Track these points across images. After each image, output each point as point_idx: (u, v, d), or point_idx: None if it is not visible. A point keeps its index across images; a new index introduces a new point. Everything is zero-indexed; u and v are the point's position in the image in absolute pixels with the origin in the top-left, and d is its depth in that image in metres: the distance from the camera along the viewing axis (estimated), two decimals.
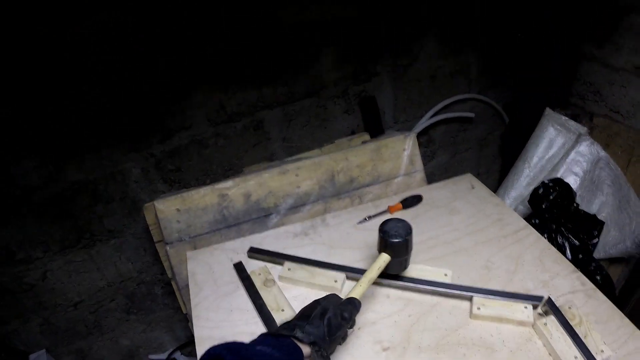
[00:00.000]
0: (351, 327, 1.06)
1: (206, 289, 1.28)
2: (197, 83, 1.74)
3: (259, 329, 1.16)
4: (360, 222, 1.47)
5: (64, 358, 2.20)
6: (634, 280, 2.30)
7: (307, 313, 0.98)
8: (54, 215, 1.78)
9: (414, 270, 1.30)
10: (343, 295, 1.07)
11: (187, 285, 1.32)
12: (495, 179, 2.70)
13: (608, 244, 2.15)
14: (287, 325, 0.95)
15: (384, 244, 1.15)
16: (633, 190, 2.20)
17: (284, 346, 0.88)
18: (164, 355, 2.30)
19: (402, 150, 1.64)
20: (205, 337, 1.15)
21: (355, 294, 1.07)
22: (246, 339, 1.10)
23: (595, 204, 2.14)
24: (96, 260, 1.98)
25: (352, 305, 1.03)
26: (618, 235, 2.14)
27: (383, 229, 1.15)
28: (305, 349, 0.90)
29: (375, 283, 1.25)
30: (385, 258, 1.15)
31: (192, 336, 2.12)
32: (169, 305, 2.26)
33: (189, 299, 1.27)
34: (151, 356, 2.36)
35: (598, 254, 2.14)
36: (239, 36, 1.70)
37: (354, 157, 1.58)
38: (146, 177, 1.86)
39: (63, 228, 1.83)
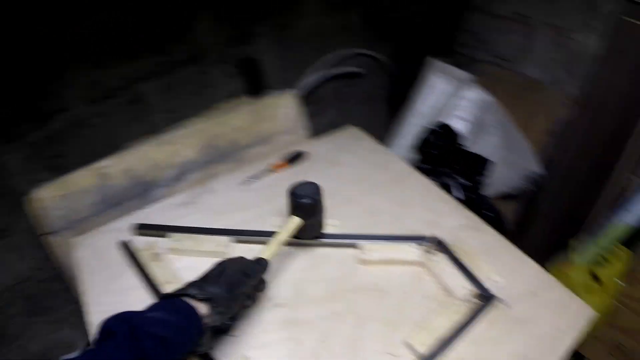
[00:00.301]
0: (260, 290, 1.05)
1: (95, 273, 1.24)
2: (69, 60, 1.65)
3: None
4: (245, 184, 1.46)
5: None
6: (528, 213, 2.43)
7: (205, 274, 0.97)
8: None
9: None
10: None
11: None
12: (387, 130, 2.74)
13: (499, 183, 2.24)
14: (185, 285, 0.92)
15: (294, 206, 1.15)
16: (518, 130, 2.30)
17: (177, 308, 0.85)
18: (77, 354, 2.22)
19: (282, 109, 1.63)
20: (99, 321, 1.10)
21: (264, 255, 1.05)
22: None
23: (483, 147, 2.21)
24: None
25: (258, 265, 1.02)
26: (507, 173, 2.24)
27: (292, 191, 1.15)
28: (202, 309, 0.87)
29: (260, 242, 1.26)
30: (295, 221, 1.14)
31: None
32: (72, 300, 2.16)
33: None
34: (64, 357, 2.28)
35: (491, 192, 2.23)
36: (109, 6, 1.62)
37: (234, 120, 1.55)
38: (26, 168, 1.74)
39: None
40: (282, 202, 1.38)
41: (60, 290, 2.06)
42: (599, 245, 1.93)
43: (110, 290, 1.19)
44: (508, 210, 2.42)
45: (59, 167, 1.73)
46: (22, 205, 1.75)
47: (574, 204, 2.20)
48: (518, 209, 2.50)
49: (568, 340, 1.05)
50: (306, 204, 1.13)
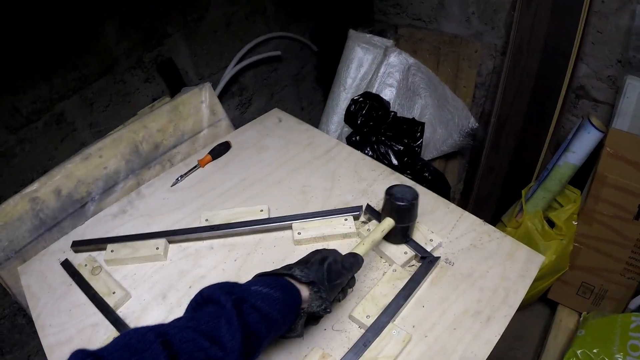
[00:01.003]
0: (351, 286, 1.01)
1: (43, 297, 1.24)
2: None
3: (99, 318, 1.15)
4: (173, 184, 1.48)
5: None
6: (474, 169, 2.47)
7: (306, 259, 0.96)
8: None
9: (229, 215, 1.32)
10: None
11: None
12: (320, 109, 2.76)
13: (438, 143, 2.29)
14: (285, 266, 0.92)
15: (389, 208, 1.12)
16: (447, 87, 2.35)
17: (281, 285, 0.84)
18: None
19: (200, 103, 1.64)
20: (54, 344, 1.12)
21: (358, 250, 1.03)
22: (90, 332, 1.11)
23: (416, 109, 2.26)
24: None
25: (355, 259, 0.99)
26: (444, 131, 2.28)
27: (390, 191, 1.11)
28: (304, 291, 0.87)
29: (195, 239, 1.28)
30: (389, 222, 1.11)
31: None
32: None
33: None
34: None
35: (431, 153, 2.27)
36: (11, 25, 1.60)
37: (153, 122, 1.55)
38: None
39: None
40: (212, 195, 1.42)
41: (25, 324, 2.05)
42: (548, 190, 1.98)
43: (60, 310, 1.19)
44: (453, 169, 2.48)
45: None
46: None
47: (517, 152, 2.25)
48: (463, 165, 2.55)
49: (521, 289, 1.08)
50: (402, 207, 1.09)
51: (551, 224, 1.99)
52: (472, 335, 1.00)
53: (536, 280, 1.90)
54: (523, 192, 2.06)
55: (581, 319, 1.97)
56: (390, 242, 1.18)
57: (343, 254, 1.01)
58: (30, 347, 2.14)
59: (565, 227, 1.95)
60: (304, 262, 0.94)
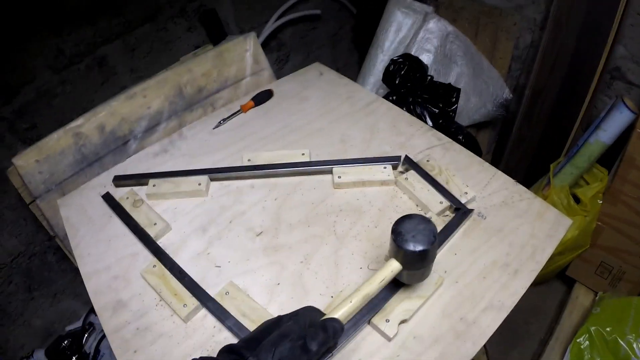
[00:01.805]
0: (327, 353, 0.87)
1: (82, 228, 1.27)
2: (28, 31, 1.65)
3: (139, 249, 1.18)
4: (215, 127, 1.49)
5: None
6: (504, 140, 2.47)
7: (261, 336, 0.75)
8: None
9: (271, 156, 1.34)
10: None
11: (67, 235, 1.29)
12: (355, 72, 2.76)
13: (471, 111, 2.28)
14: (230, 349, 0.74)
15: (396, 250, 0.87)
16: (484, 57, 2.34)
17: None
18: (80, 323, 2.27)
19: (244, 51, 1.65)
20: (91, 272, 1.16)
21: (339, 314, 0.83)
22: (129, 261, 1.14)
23: (451, 76, 2.26)
24: None
25: (326, 333, 0.77)
26: (478, 100, 2.28)
27: (397, 229, 0.86)
28: None
29: (236, 178, 1.30)
30: (394, 267, 0.89)
31: None
32: (67, 269, 2.21)
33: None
34: (68, 327, 2.32)
35: (463, 121, 2.27)
36: None
37: (197, 66, 1.57)
38: (3, 144, 1.78)
39: None
40: (254, 139, 1.43)
41: (55, 262, 2.10)
42: (576, 166, 1.98)
43: (99, 240, 1.22)
44: (483, 139, 2.47)
45: (34, 138, 1.76)
46: (5, 182, 1.78)
47: (548, 127, 2.24)
48: (493, 136, 2.54)
49: (548, 248, 1.08)
50: (414, 252, 0.84)
51: (576, 200, 1.98)
52: (500, 285, 1.02)
53: (556, 255, 1.94)
54: (552, 166, 2.05)
55: (597, 298, 1.98)
56: (402, 282, 0.98)
57: (319, 315, 0.84)
58: (58, 285, 2.21)
59: (590, 204, 1.95)
60: (255, 343, 0.74)
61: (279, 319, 0.80)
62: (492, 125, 2.54)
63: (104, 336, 2.10)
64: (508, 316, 0.97)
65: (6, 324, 2.13)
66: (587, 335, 1.76)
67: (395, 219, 0.87)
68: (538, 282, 2.19)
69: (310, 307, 0.87)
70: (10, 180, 1.64)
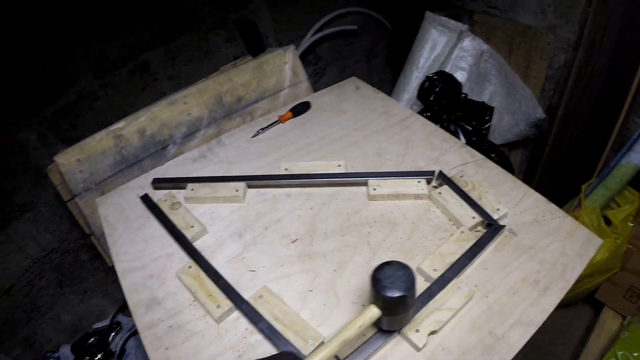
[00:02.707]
0: None
1: (120, 227, 1.30)
2: (73, 34, 1.71)
3: (175, 249, 1.21)
4: (254, 136, 1.52)
5: (13, 351, 2.17)
6: (535, 160, 2.46)
7: None
8: None
9: (308, 167, 1.37)
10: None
11: (104, 233, 1.33)
12: (389, 88, 2.78)
13: (503, 130, 2.28)
14: None
15: (375, 296, 0.88)
16: (518, 76, 2.34)
17: None
18: (107, 321, 2.31)
19: (283, 64, 1.69)
20: (127, 270, 1.19)
21: (320, 356, 0.83)
22: (164, 261, 1.17)
23: (485, 95, 2.27)
24: (15, 239, 1.94)
25: None
26: (511, 119, 2.28)
27: (376, 276, 0.87)
28: None
29: (273, 186, 1.33)
30: (373, 313, 0.88)
31: None
32: (99, 268, 2.26)
33: (108, 245, 1.28)
34: (95, 325, 2.36)
35: (496, 140, 2.27)
36: None
37: (237, 77, 1.61)
38: (44, 142, 1.83)
39: None
40: (291, 149, 1.46)
41: (87, 260, 2.15)
42: (608, 188, 1.96)
43: (135, 240, 1.26)
44: (515, 158, 2.47)
45: (74, 139, 1.82)
46: (44, 179, 1.84)
47: (580, 147, 2.23)
48: (525, 156, 2.54)
49: (578, 266, 1.09)
50: (392, 298, 0.84)
51: (607, 222, 1.96)
52: (529, 302, 1.02)
53: (585, 277, 1.92)
54: (583, 187, 2.04)
55: (625, 322, 1.96)
56: (382, 328, 0.98)
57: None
58: (89, 282, 2.25)
59: (621, 226, 1.92)
60: None
61: None
62: (524, 144, 2.53)
63: (130, 336, 2.14)
64: (534, 337, 0.97)
65: (35, 318, 2.17)
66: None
67: (428, 233, 0.88)
68: (565, 305, 2.18)
69: (287, 353, 0.90)
70: (49, 178, 1.68)
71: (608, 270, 1.98)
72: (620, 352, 1.73)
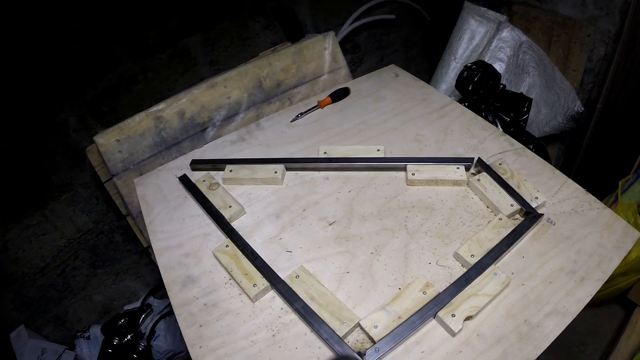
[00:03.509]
0: None
1: (157, 206, 1.32)
2: (114, 17, 1.73)
3: (212, 229, 1.23)
4: (293, 120, 1.52)
5: (44, 329, 2.21)
6: (571, 153, 2.42)
7: None
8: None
9: (347, 151, 1.36)
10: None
11: (141, 213, 1.34)
12: (426, 78, 2.75)
13: (541, 123, 2.25)
14: None
15: None
16: (557, 68, 2.29)
17: None
18: (138, 303, 2.34)
19: (323, 49, 1.69)
20: (164, 248, 1.20)
21: None
22: (201, 240, 1.18)
23: (523, 86, 2.23)
24: (52, 219, 1.98)
25: None
26: (549, 112, 2.24)
27: None
28: None
29: (311, 169, 1.33)
30: None
31: (161, 279, 2.15)
32: (132, 250, 2.29)
33: (144, 224, 1.30)
34: (126, 306, 2.39)
35: (533, 132, 2.24)
36: None
37: (277, 61, 1.62)
38: (84, 124, 1.85)
39: (13, 192, 1.82)
40: (329, 133, 1.46)
41: (121, 242, 2.18)
42: None
43: (173, 219, 1.27)
44: (552, 152, 2.43)
45: (113, 122, 1.83)
46: (82, 161, 1.86)
47: (618, 143, 2.18)
48: (562, 149, 2.50)
49: (615, 258, 1.07)
50: None
51: None
52: (565, 291, 1.01)
53: (618, 275, 1.88)
54: (620, 183, 2.00)
55: None
56: None
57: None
58: (121, 264, 2.29)
59: None
60: None
61: None
62: (561, 138, 2.49)
63: (160, 318, 2.16)
64: (564, 335, 0.95)
65: (67, 297, 2.21)
66: None
67: (466, 219, 0.87)
68: (597, 304, 2.14)
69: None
70: (88, 159, 1.70)
71: None
72: None
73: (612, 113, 2.14)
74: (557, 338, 0.94)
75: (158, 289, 2.43)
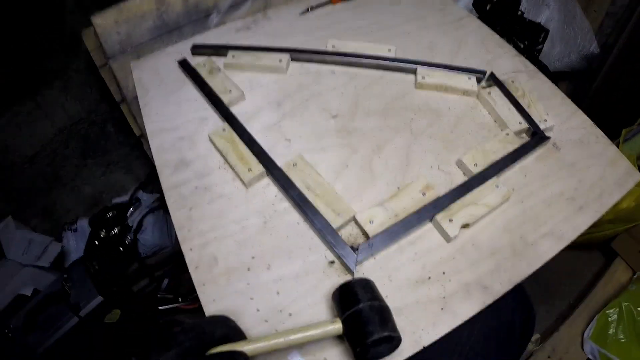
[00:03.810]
0: None
1: (153, 89, 1.27)
2: None
3: (210, 114, 1.19)
4: (302, 13, 1.46)
5: (32, 221, 2.19)
6: (580, 95, 2.38)
7: (167, 344, 0.64)
8: None
9: (357, 47, 1.31)
10: None
11: (136, 98, 1.30)
12: None
13: (554, 58, 2.20)
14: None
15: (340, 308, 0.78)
16: (579, 5, 2.23)
17: None
18: (127, 197, 2.31)
19: None
20: (158, 130, 1.16)
21: (247, 348, 0.69)
22: (197, 124, 1.15)
23: (541, 18, 2.16)
24: (43, 106, 1.91)
25: None
26: (563, 49, 2.19)
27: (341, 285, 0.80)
28: None
29: (318, 61, 1.27)
30: (334, 329, 0.75)
31: (151, 173, 2.12)
32: (124, 142, 2.24)
33: (139, 109, 1.25)
34: (115, 200, 2.38)
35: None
36: None
37: None
38: (81, 6, 1.77)
39: (2, 77, 1.74)
40: (339, 29, 1.40)
41: (113, 133, 2.13)
42: None
43: (169, 102, 1.23)
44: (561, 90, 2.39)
45: (111, 4, 1.74)
46: (77, 46, 1.79)
47: (628, 92, 2.15)
48: (569, 90, 2.46)
49: (615, 194, 1.06)
50: (359, 311, 0.74)
51: None
52: (563, 215, 1.00)
53: (606, 222, 1.88)
54: (623, 131, 1.97)
55: (635, 277, 1.95)
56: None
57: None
58: (112, 156, 2.25)
59: None
60: (159, 351, 0.63)
61: (184, 330, 0.66)
62: (569, 78, 2.45)
63: (148, 212, 2.15)
64: (542, 272, 0.94)
65: (56, 187, 2.18)
66: (617, 309, 1.76)
67: (472, 130, 0.86)
68: (579, 247, 2.15)
69: (222, 317, 0.75)
70: (83, 43, 1.63)
71: (630, 221, 1.93)
72: (625, 304, 1.74)
73: (626, 62, 2.10)
74: (535, 271, 0.94)
75: (148, 183, 2.39)
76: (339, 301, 0.79)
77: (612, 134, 1.91)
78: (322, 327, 0.75)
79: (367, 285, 0.80)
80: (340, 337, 0.78)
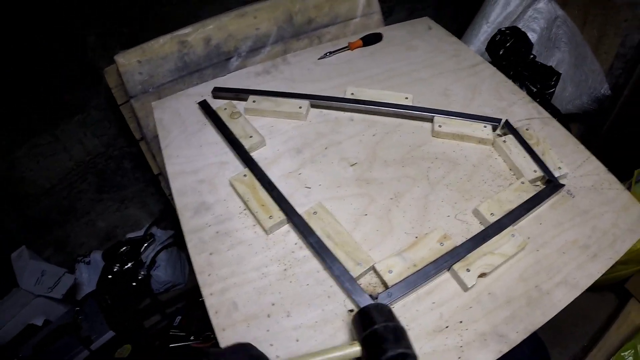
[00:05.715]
0: None
1: (174, 130, 1.29)
2: None
3: (230, 158, 1.20)
4: (321, 58, 1.49)
5: (45, 251, 2.20)
6: (590, 136, 2.39)
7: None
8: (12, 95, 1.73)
9: (375, 94, 1.33)
10: None
11: (156, 137, 1.32)
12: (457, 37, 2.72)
13: (565, 100, 2.22)
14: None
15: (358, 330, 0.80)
16: (589, 48, 2.25)
17: None
18: (141, 232, 2.33)
19: None
20: (178, 172, 1.18)
21: None
22: (217, 168, 1.16)
23: (552, 61, 2.19)
24: (62, 139, 1.95)
25: None
26: (575, 91, 2.21)
27: (362, 310, 0.83)
28: None
29: (337, 108, 1.30)
30: (353, 351, 0.77)
31: (165, 209, 2.13)
32: (140, 178, 2.27)
33: (159, 149, 1.27)
34: (129, 235, 2.39)
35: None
36: None
37: None
38: (103, 45, 1.81)
39: (24, 109, 1.78)
40: (357, 76, 1.42)
41: (129, 169, 2.15)
42: None
43: (190, 145, 1.25)
44: (572, 133, 2.40)
45: (134, 44, 1.78)
46: (98, 82, 1.82)
47: (639, 132, 2.15)
48: (581, 131, 2.47)
49: (628, 240, 1.06)
50: (375, 331, 0.77)
51: None
52: (577, 264, 1.00)
53: (620, 264, 1.85)
54: (636, 172, 1.97)
55: None
56: None
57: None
58: (127, 191, 2.27)
59: None
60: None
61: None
62: (580, 120, 2.46)
63: (162, 248, 2.16)
64: (555, 315, 0.95)
65: (71, 221, 2.20)
66: (632, 352, 1.73)
67: (488, 178, 0.87)
68: (592, 289, 2.13)
69: (245, 345, 0.78)
70: (104, 80, 1.67)
71: None
72: None
73: (637, 102, 2.11)
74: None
75: (162, 219, 2.42)
76: (357, 324, 0.81)
77: (624, 175, 1.92)
78: (341, 349, 0.77)
79: (383, 309, 0.82)
80: None
